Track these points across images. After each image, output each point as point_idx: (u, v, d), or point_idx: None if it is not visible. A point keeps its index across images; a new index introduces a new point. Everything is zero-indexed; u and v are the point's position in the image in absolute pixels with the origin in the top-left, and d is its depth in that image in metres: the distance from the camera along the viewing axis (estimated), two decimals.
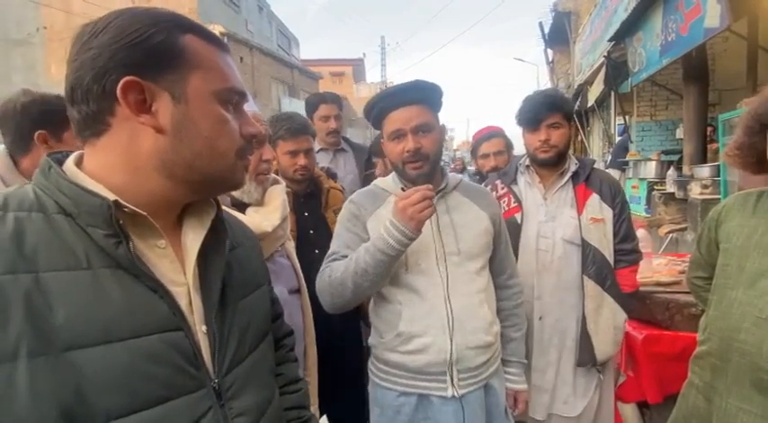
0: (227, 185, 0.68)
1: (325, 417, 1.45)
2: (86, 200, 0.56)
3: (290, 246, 1.37)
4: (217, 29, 16.24)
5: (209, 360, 0.63)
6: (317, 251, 1.36)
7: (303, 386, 0.90)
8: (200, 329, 0.63)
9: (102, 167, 0.60)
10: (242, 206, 1.21)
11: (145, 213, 0.59)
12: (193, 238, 0.66)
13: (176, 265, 0.63)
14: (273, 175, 1.32)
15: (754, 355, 1.03)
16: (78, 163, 0.62)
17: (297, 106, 17.50)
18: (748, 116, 1.10)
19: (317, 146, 2.59)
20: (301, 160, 1.61)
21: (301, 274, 1.36)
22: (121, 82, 0.56)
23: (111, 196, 0.57)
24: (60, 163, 0.61)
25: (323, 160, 2.56)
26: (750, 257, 1.10)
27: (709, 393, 1.15)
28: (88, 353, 0.52)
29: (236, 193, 1.18)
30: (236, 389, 0.65)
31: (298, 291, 1.34)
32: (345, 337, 1.74)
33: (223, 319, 0.66)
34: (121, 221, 0.56)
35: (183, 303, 0.61)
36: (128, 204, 0.57)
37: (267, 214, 1.21)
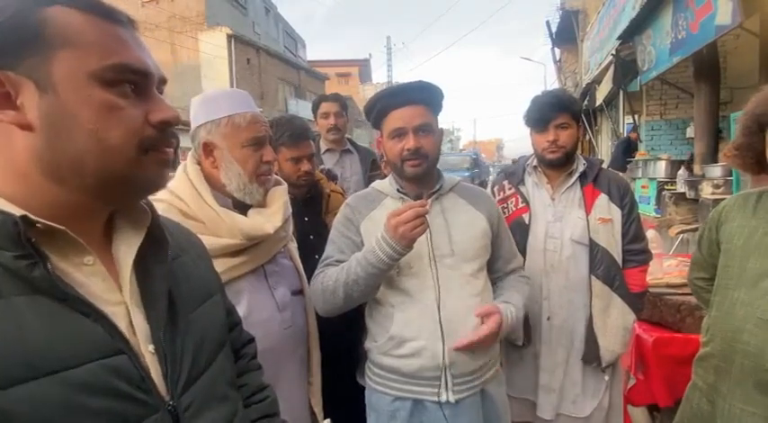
0: (137, 187, 0.57)
1: (329, 420, 1.45)
2: None
3: (293, 247, 1.37)
4: (224, 31, 16.40)
5: (161, 381, 0.57)
6: (317, 256, 1.35)
7: (270, 393, 0.85)
8: (147, 350, 0.56)
9: None
10: (244, 207, 1.20)
11: (63, 228, 0.51)
12: (126, 250, 0.59)
13: (109, 282, 0.56)
14: (276, 176, 1.31)
15: (758, 356, 1.03)
16: None
17: (304, 107, 17.59)
18: (746, 117, 1.10)
19: (323, 147, 2.61)
20: (305, 166, 1.60)
21: (304, 275, 1.35)
22: None
23: (17, 211, 0.49)
24: None
25: (329, 161, 2.58)
26: (751, 258, 1.09)
27: (713, 395, 1.14)
28: (12, 393, 0.45)
29: (237, 195, 1.17)
30: (196, 408, 0.60)
31: (300, 292, 1.33)
32: (349, 338, 1.73)
33: (173, 334, 0.60)
34: (33, 239, 0.48)
35: (121, 324, 0.54)
36: (40, 219, 0.49)
37: (269, 216, 1.20)
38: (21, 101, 0.50)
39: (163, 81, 0.60)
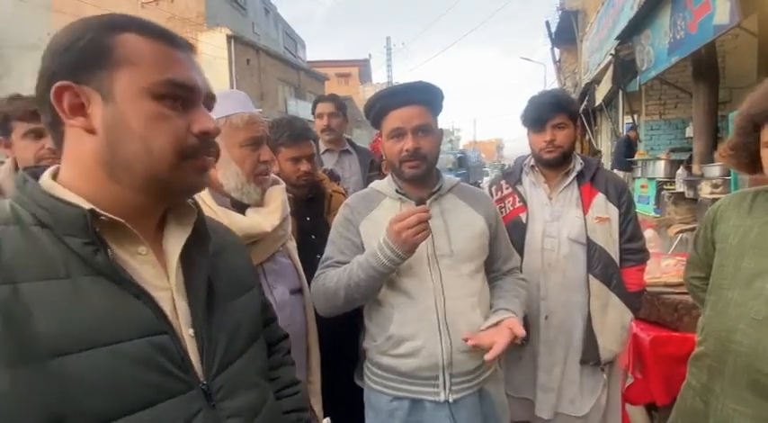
0: (176, 189, 0.65)
1: (328, 419, 1.45)
2: (62, 210, 0.57)
3: (292, 246, 1.37)
4: (224, 31, 16.40)
5: (198, 363, 0.63)
6: (318, 256, 1.36)
7: (301, 389, 0.90)
8: (187, 333, 0.63)
9: (70, 177, 0.61)
10: (242, 207, 1.21)
11: (122, 220, 0.59)
12: (174, 243, 0.67)
13: (158, 270, 0.64)
14: (273, 176, 1.32)
15: (750, 356, 1.03)
16: (55, 176, 0.63)
17: (303, 107, 17.57)
18: (741, 117, 1.10)
19: (322, 147, 2.62)
20: (304, 166, 1.60)
21: (303, 274, 1.35)
22: (53, 87, 0.58)
23: (87, 205, 0.57)
24: (37, 177, 0.62)
25: (328, 162, 2.59)
26: (746, 258, 1.09)
27: (706, 395, 1.14)
28: (73, 359, 0.53)
29: (235, 194, 1.18)
30: (227, 390, 0.66)
31: (299, 291, 1.33)
32: (349, 338, 1.73)
33: (210, 321, 0.67)
34: (98, 229, 0.57)
35: (167, 308, 0.62)
36: (104, 212, 0.58)
37: (267, 214, 1.21)
38: (90, 110, 0.59)
39: (211, 97, 0.67)
